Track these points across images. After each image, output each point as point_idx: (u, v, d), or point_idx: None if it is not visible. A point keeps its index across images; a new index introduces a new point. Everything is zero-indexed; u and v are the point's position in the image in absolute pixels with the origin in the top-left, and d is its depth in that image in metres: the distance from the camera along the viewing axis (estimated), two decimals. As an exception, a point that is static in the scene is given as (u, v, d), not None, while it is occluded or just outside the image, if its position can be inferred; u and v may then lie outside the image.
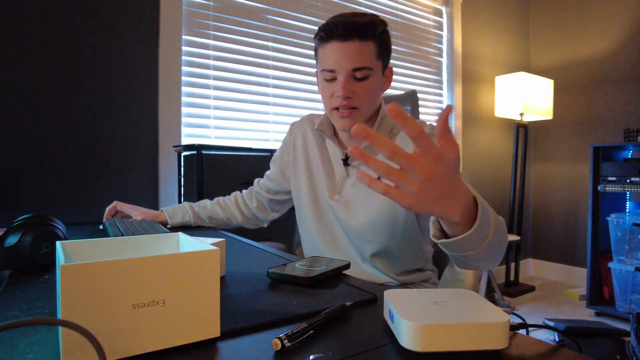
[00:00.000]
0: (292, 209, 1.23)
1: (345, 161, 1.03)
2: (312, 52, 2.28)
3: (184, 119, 1.90)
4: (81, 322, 0.33)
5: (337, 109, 0.95)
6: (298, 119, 1.19)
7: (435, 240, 0.61)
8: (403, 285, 1.01)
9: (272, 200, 1.22)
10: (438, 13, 2.94)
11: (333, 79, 0.93)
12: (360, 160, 0.46)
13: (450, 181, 0.50)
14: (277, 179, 1.18)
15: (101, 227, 1.16)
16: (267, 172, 1.23)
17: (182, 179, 1.78)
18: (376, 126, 0.99)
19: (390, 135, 1.01)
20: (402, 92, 1.54)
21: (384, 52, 0.96)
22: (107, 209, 1.17)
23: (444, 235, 0.62)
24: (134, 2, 1.76)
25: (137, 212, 1.14)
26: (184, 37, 1.90)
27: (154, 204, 1.81)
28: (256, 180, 1.26)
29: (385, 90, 1.03)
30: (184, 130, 1.90)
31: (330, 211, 1.05)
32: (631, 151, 2.65)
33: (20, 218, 0.68)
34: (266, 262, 0.76)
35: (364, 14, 0.92)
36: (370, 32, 0.90)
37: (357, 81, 0.92)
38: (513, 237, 2.78)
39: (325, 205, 1.06)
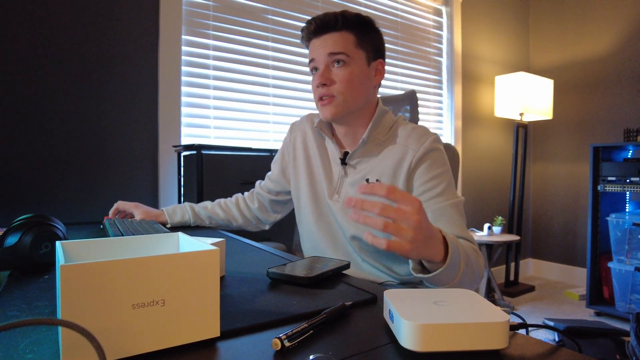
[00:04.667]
0: (293, 209, 1.23)
1: (343, 161, 1.03)
2: (312, 52, 2.29)
3: (183, 119, 1.90)
4: (81, 322, 0.33)
5: (320, 99, 0.97)
6: (298, 118, 1.19)
7: (420, 276, 0.72)
8: (403, 284, 1.01)
9: (273, 201, 1.22)
10: (438, 13, 2.94)
11: (317, 70, 0.98)
12: (358, 221, 0.58)
13: (429, 225, 0.63)
14: (278, 180, 1.18)
15: (101, 226, 1.16)
16: (269, 173, 1.23)
17: (182, 179, 1.78)
18: (371, 125, 0.99)
19: (388, 134, 1.00)
20: (402, 93, 1.54)
21: (366, 43, 0.97)
22: (110, 211, 1.18)
23: (422, 269, 0.73)
24: (134, 2, 1.76)
25: (139, 212, 1.14)
26: (184, 37, 1.90)
27: (154, 204, 1.81)
28: (257, 182, 1.26)
29: (377, 84, 1.02)
30: (184, 130, 1.90)
31: (330, 211, 1.05)
32: (631, 151, 2.65)
33: (20, 218, 0.68)
34: (266, 262, 0.76)
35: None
36: (341, 22, 0.94)
37: (335, 69, 0.95)
38: (513, 237, 2.78)
39: (325, 205, 1.06)
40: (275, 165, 1.20)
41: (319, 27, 0.95)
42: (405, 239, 0.60)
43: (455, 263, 0.71)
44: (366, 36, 0.97)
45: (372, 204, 0.59)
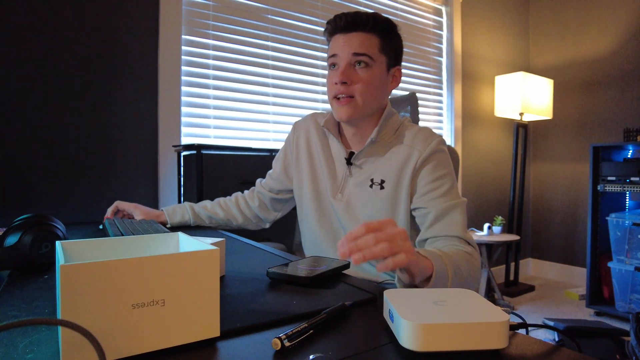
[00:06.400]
0: (294, 208, 1.23)
1: (348, 160, 1.03)
2: (312, 52, 2.29)
3: (183, 119, 1.90)
4: (81, 322, 0.33)
5: (337, 97, 0.96)
6: (298, 118, 1.19)
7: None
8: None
9: (274, 199, 1.22)
10: (438, 13, 2.94)
11: (336, 66, 0.96)
12: (366, 260, 0.57)
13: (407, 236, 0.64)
14: (280, 178, 1.19)
15: (101, 226, 1.16)
16: (270, 172, 1.23)
17: (182, 178, 1.78)
18: (379, 126, 0.99)
19: (394, 135, 1.01)
20: (403, 94, 1.54)
21: (389, 49, 0.97)
22: (109, 209, 1.17)
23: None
24: (134, 2, 1.76)
25: (139, 212, 1.14)
26: (183, 37, 1.90)
27: (154, 204, 1.81)
28: (258, 180, 1.26)
29: (391, 90, 1.04)
30: (184, 130, 1.90)
31: (332, 210, 1.05)
32: (631, 151, 2.65)
33: (20, 218, 0.68)
34: (266, 262, 0.76)
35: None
36: (371, 24, 0.93)
37: (357, 70, 0.95)
38: (513, 237, 2.78)
39: (328, 204, 1.06)
40: (277, 163, 1.20)
41: (349, 23, 0.94)
42: (406, 250, 0.61)
43: (442, 273, 0.72)
44: (390, 41, 0.97)
45: (365, 240, 0.59)
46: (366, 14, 0.95)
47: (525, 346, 0.42)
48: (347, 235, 0.61)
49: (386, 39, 0.96)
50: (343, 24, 0.94)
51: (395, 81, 1.03)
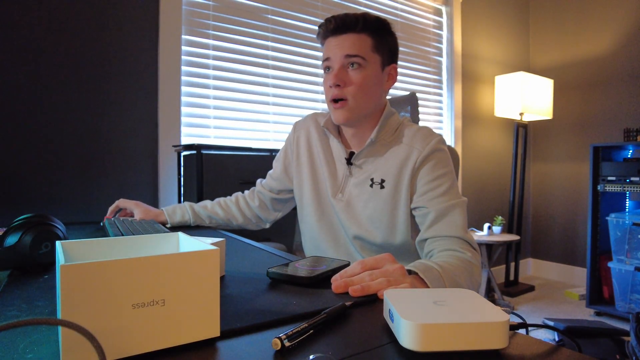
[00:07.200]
0: (294, 208, 1.23)
1: (349, 160, 1.03)
2: (312, 52, 2.29)
3: (183, 119, 1.90)
4: (81, 322, 0.33)
5: (333, 101, 0.96)
6: (298, 118, 1.19)
7: None
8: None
9: (274, 199, 1.22)
10: (438, 13, 2.94)
11: (330, 69, 0.97)
12: (363, 293, 0.57)
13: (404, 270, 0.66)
14: (280, 178, 1.19)
15: (101, 224, 1.16)
16: (270, 172, 1.23)
17: (182, 178, 1.78)
18: (379, 126, 0.99)
19: (394, 135, 1.01)
20: (403, 94, 1.54)
21: (382, 47, 0.97)
22: (110, 208, 1.17)
23: None
24: (134, 2, 1.76)
25: (139, 211, 1.14)
26: (183, 37, 1.90)
27: (154, 203, 1.81)
28: (258, 180, 1.26)
29: (388, 89, 1.03)
30: (184, 130, 1.90)
31: (332, 210, 1.05)
32: (631, 151, 2.65)
33: (20, 218, 0.68)
34: (266, 262, 0.76)
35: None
36: (361, 24, 0.94)
37: (350, 71, 0.95)
38: (513, 237, 2.78)
39: (328, 204, 1.06)
40: (277, 163, 1.20)
41: (338, 26, 0.94)
42: (403, 283, 0.62)
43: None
44: (383, 40, 0.97)
45: (361, 277, 0.60)
46: (355, 14, 0.94)
47: (525, 346, 0.42)
48: (341, 272, 0.62)
49: (378, 37, 0.96)
50: (333, 26, 0.94)
51: (392, 79, 1.03)
